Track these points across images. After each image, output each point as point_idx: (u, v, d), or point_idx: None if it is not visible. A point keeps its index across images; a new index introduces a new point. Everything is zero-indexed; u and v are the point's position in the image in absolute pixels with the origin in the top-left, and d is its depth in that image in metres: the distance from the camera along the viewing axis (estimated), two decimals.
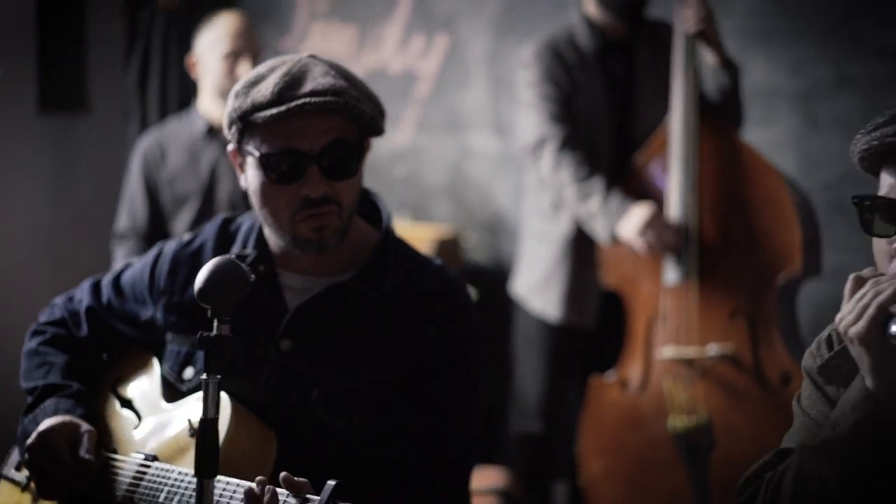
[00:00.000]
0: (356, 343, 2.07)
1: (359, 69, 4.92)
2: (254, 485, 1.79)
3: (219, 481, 1.84)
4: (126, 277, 2.29)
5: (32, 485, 2.18)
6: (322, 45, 4.99)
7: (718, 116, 3.73)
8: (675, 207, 3.62)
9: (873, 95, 4.25)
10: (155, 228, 3.90)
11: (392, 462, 2.03)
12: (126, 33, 5.07)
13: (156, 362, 2.24)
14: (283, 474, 1.80)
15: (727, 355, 3.59)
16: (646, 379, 3.69)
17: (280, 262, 2.13)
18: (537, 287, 3.94)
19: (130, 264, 2.32)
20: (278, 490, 1.78)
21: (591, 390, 3.82)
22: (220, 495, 1.84)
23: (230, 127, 2.07)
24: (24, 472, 2.23)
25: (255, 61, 3.67)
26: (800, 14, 4.31)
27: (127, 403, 2.21)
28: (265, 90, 2.00)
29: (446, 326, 2.09)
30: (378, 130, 2.10)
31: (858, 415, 1.65)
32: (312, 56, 2.10)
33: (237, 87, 2.06)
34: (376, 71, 4.92)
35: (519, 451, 4.06)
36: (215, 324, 1.73)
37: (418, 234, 4.48)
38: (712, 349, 3.60)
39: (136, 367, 2.26)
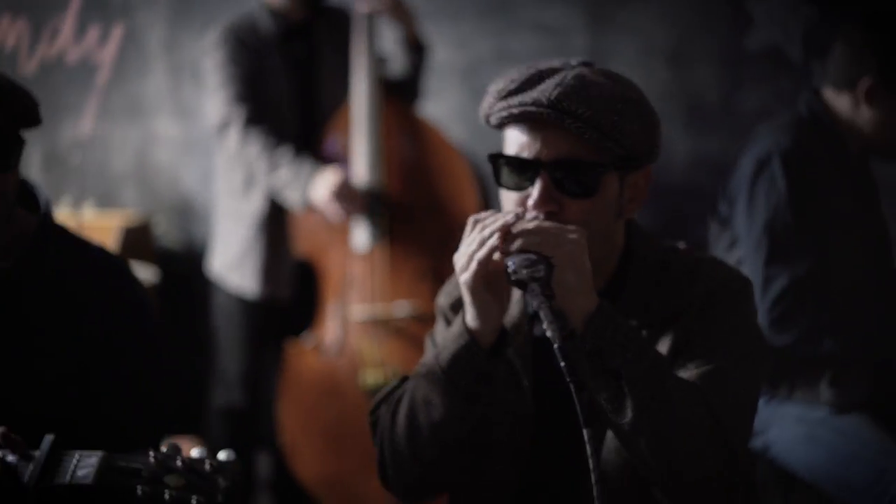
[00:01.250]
0: (26, 325, 2.11)
1: (34, 62, 4.89)
2: None
3: None
4: None
5: None
6: None
7: (398, 94, 3.95)
8: (361, 179, 3.81)
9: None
10: None
11: (82, 440, 2.06)
12: None
13: None
14: (1, 430, 1.80)
15: (416, 314, 3.81)
16: (342, 342, 3.87)
17: None
18: (233, 264, 4.04)
19: None
20: None
21: (289, 357, 3.95)
22: None
23: None
24: None
25: None
26: None
27: None
28: None
29: (113, 304, 2.16)
30: (25, 120, 2.12)
31: (456, 347, 1.89)
32: None
33: None
34: (53, 62, 4.90)
35: (222, 425, 4.14)
36: None
37: (106, 223, 4.51)
38: (402, 309, 3.81)
39: None
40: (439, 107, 4.46)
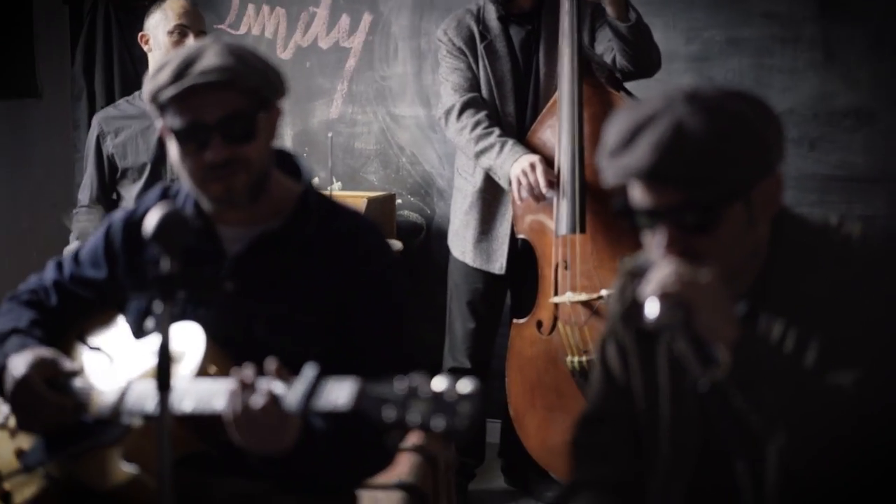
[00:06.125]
0: (289, 279, 2.37)
1: (290, 48, 5.25)
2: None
3: (204, 383, 2.15)
4: (83, 250, 2.61)
5: (10, 422, 2.48)
6: (255, 28, 5.31)
7: (601, 77, 3.99)
8: (564, 165, 3.92)
9: (761, 55, 4.65)
10: (108, 198, 4.21)
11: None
12: (70, 22, 5.35)
13: (119, 316, 2.53)
14: (274, 363, 2.06)
15: None
16: (553, 321, 4.05)
17: (215, 218, 2.43)
18: (455, 235, 4.33)
19: (85, 244, 2.64)
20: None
21: (514, 331, 4.17)
22: (207, 393, 2.12)
23: (151, 107, 2.35)
24: None
25: (200, 39, 3.91)
26: None
27: (95, 349, 2.50)
28: (165, 73, 2.27)
29: (365, 261, 2.39)
30: (266, 98, 2.35)
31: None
32: (215, 41, 2.37)
33: (150, 72, 2.36)
34: (307, 49, 5.25)
35: None
36: (165, 260, 1.94)
37: (351, 199, 4.81)
38: (605, 293, 3.90)
39: (100, 321, 2.55)
40: None
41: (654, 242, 1.96)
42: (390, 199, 5.01)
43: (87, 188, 4.22)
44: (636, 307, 2.05)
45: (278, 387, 2.04)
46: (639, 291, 1.95)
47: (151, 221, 1.96)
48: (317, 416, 2.16)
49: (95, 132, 4.21)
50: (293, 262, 2.38)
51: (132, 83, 4.99)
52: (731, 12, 4.67)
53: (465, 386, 1.82)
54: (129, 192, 4.15)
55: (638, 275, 2.07)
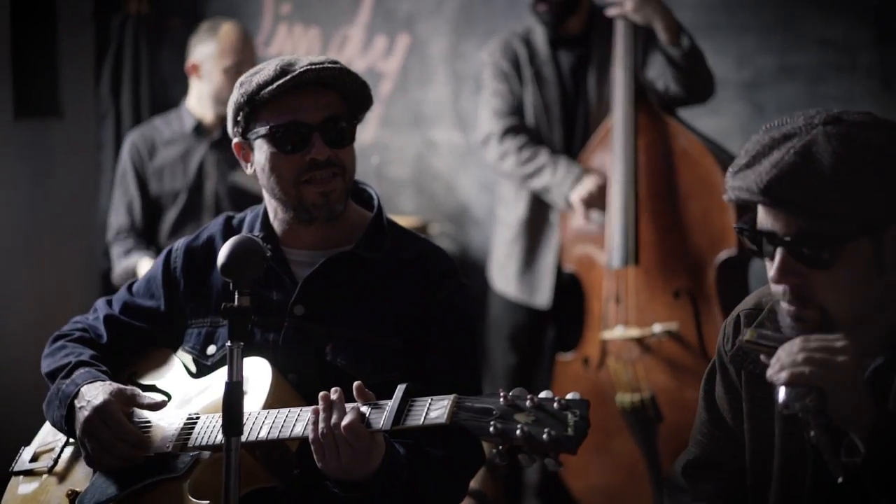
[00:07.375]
0: (360, 302, 2.30)
1: None
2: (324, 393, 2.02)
3: (280, 411, 2.08)
4: (138, 282, 2.51)
5: (58, 467, 2.34)
6: (287, 48, 5.17)
7: (655, 104, 3.88)
8: (616, 195, 3.81)
9: (815, 83, 4.50)
10: (148, 222, 4.06)
11: None
12: (95, 40, 5.21)
13: (171, 353, 2.41)
14: (357, 384, 2.01)
15: (673, 333, 3.78)
16: (602, 357, 3.90)
17: (284, 241, 2.36)
18: (498, 267, 4.21)
19: (137, 279, 2.54)
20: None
21: (558, 367, 4.04)
22: (285, 419, 2.06)
23: (237, 114, 2.28)
24: (44, 460, 2.37)
25: None
26: (743, 8, 4.56)
27: (149, 388, 2.36)
28: (267, 72, 2.25)
29: (437, 285, 2.32)
30: (365, 103, 2.32)
31: None
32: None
33: (241, 79, 2.30)
34: None
35: None
36: (237, 296, 1.92)
37: None
38: (658, 328, 3.79)
39: (152, 360, 2.44)
40: (716, 122, 4.43)
41: (769, 268, 1.84)
42: (424, 227, 4.86)
43: (122, 211, 4.08)
44: (749, 352, 1.93)
45: (364, 407, 2.00)
46: (770, 374, 1.78)
47: (224, 251, 1.97)
48: (400, 441, 2.13)
49: (131, 151, 4.10)
50: (364, 285, 2.33)
51: (160, 104, 4.86)
52: (783, 38, 4.53)
53: (571, 393, 1.82)
54: (164, 218, 4.04)
55: (755, 319, 1.93)
